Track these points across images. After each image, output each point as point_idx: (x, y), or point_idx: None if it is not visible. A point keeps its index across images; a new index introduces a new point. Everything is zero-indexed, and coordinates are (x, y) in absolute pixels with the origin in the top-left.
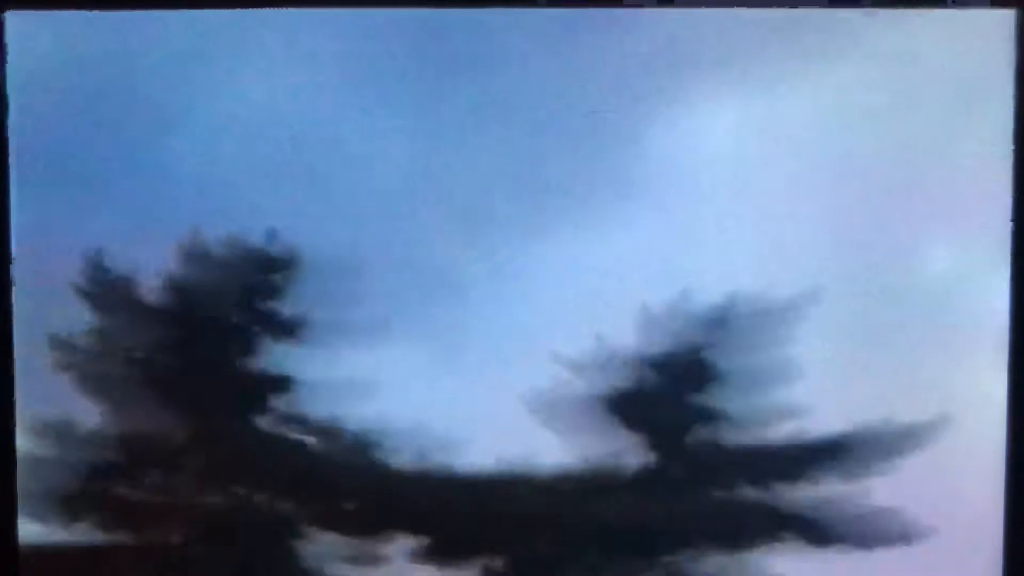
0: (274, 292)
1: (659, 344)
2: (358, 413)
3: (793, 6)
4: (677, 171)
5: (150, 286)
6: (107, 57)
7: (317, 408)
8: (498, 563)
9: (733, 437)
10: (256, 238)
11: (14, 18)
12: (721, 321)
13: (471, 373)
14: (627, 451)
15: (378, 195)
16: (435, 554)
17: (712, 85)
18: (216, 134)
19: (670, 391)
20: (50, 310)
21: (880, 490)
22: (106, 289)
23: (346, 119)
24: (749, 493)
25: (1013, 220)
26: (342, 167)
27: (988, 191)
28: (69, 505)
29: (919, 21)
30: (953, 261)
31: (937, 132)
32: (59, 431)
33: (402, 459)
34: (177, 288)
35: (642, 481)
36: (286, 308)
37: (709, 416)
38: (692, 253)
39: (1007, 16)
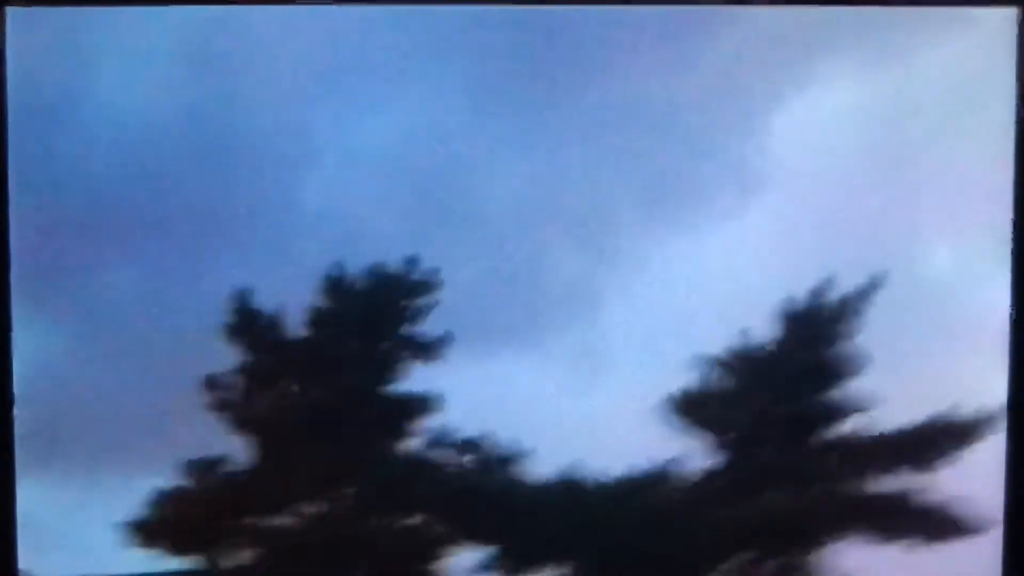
0: (418, 316)
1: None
2: (507, 429)
3: (796, 3)
4: (796, 165)
5: (296, 321)
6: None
7: (467, 426)
8: (648, 566)
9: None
10: (395, 266)
11: (15, 13)
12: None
13: (614, 382)
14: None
15: (505, 214)
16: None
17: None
18: (345, 168)
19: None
20: (199, 351)
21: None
22: (254, 327)
23: (466, 142)
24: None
25: (1014, 218)
26: (469, 190)
27: (989, 189)
28: (227, 539)
29: (921, 19)
30: (954, 260)
31: (938, 130)
32: (213, 469)
33: (551, 471)
34: (323, 321)
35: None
36: (430, 330)
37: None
38: (825, 245)
39: (1009, 15)
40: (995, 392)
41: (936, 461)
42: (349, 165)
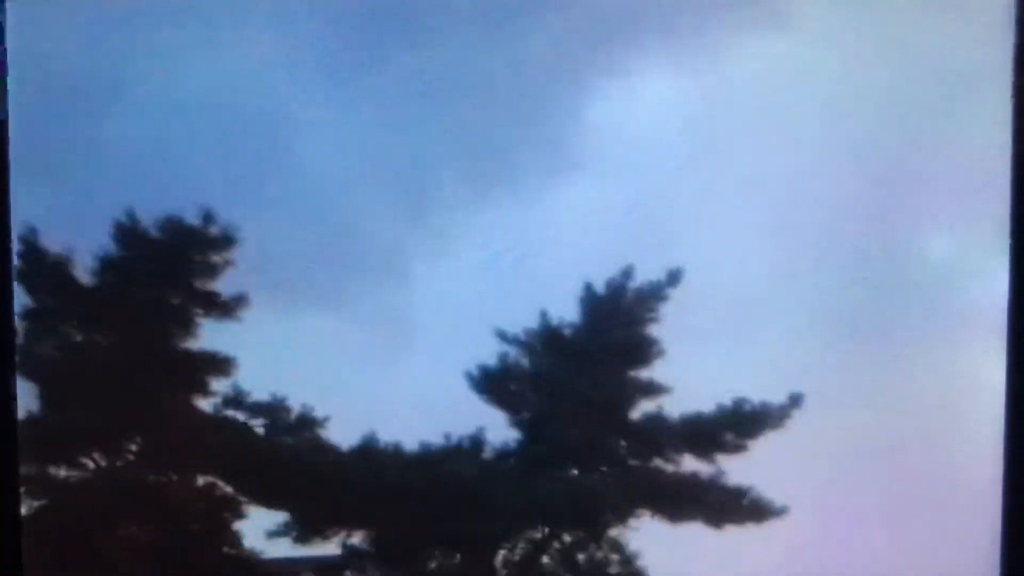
0: (212, 272)
1: (603, 321)
2: (301, 394)
3: None
4: (617, 146)
5: (86, 267)
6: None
7: (259, 388)
8: (443, 538)
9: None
10: (193, 218)
11: (15, 5)
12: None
13: (416, 352)
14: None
15: (318, 173)
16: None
17: (658, 58)
18: (154, 115)
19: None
20: None
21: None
22: (42, 270)
23: (285, 97)
24: None
25: (1012, 208)
26: (281, 146)
27: (986, 179)
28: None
29: (916, 5)
30: (952, 250)
31: (933, 118)
32: None
33: (349, 438)
34: (113, 268)
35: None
36: (225, 288)
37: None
38: (635, 228)
39: (1004, 1)
40: (992, 381)
41: (728, 449)
42: (160, 107)
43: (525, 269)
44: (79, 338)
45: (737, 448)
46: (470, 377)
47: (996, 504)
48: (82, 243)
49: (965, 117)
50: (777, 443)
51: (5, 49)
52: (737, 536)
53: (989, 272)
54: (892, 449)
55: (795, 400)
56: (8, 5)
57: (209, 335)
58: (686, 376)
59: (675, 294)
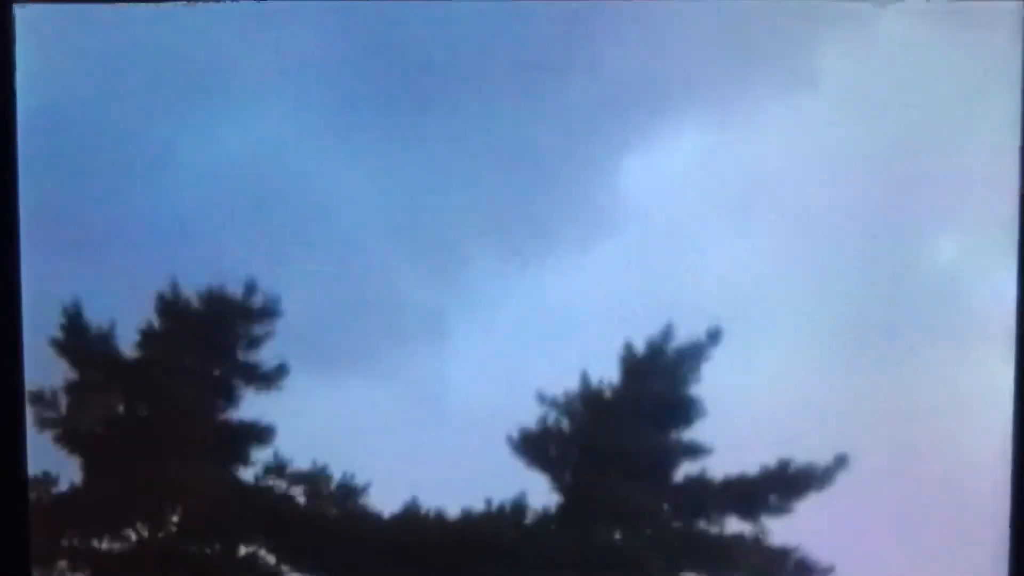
0: (255, 343)
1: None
2: (343, 461)
3: None
4: (653, 204)
5: (128, 339)
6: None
7: (301, 457)
8: None
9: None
10: (235, 289)
11: (23, 12)
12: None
13: (457, 416)
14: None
15: (354, 241)
16: None
17: (686, 117)
18: (192, 183)
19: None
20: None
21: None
22: (84, 343)
23: (319, 167)
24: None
25: (1020, 212)
26: (317, 215)
27: (995, 182)
28: (52, 560)
29: (926, 12)
30: (960, 253)
31: (944, 123)
32: (38, 488)
33: (390, 505)
34: (155, 341)
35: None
36: (268, 358)
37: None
38: (674, 286)
39: (1014, 8)
40: (1001, 387)
41: (771, 510)
42: (195, 177)
43: (563, 332)
44: (122, 410)
45: (782, 509)
46: (511, 441)
47: (1004, 509)
48: (124, 316)
49: (973, 122)
50: (820, 502)
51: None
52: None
53: (997, 276)
54: (899, 452)
55: (841, 461)
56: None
57: (250, 405)
58: (728, 436)
59: (715, 353)
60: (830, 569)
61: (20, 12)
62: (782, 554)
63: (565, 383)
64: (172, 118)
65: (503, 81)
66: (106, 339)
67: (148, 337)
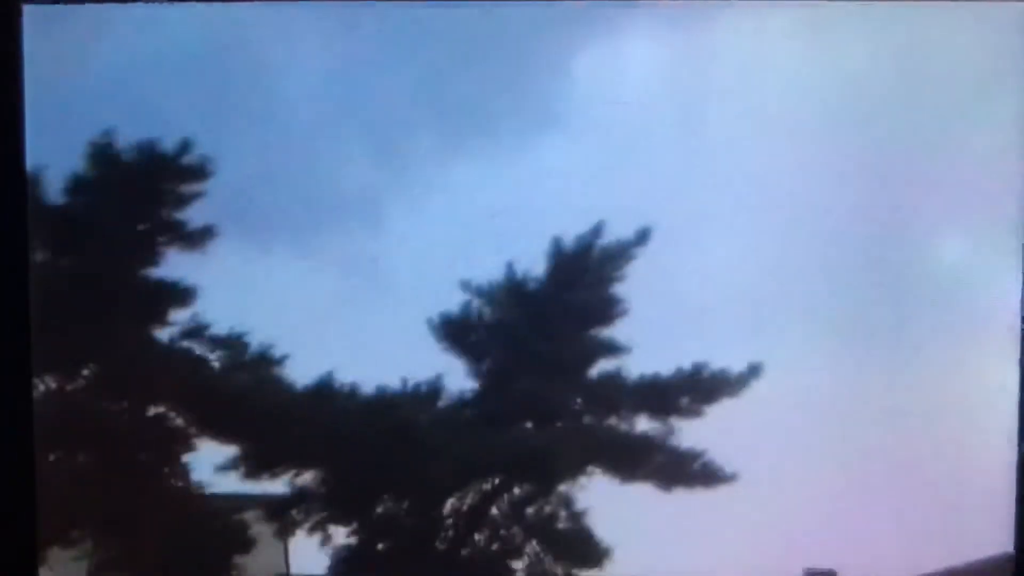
0: (184, 202)
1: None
2: (262, 330)
3: None
4: (597, 105)
5: (56, 186)
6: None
7: (220, 323)
8: (392, 483)
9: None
10: (168, 144)
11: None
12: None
13: (381, 297)
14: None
15: (295, 115)
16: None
17: (649, 15)
18: (142, 39)
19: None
20: None
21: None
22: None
23: (266, 37)
24: None
25: None
26: (260, 85)
27: (1001, 183)
28: None
29: (933, 11)
30: (965, 252)
31: (949, 124)
32: None
33: (305, 378)
34: (81, 189)
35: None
36: (196, 219)
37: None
38: (609, 186)
39: (1021, 8)
40: (1006, 387)
41: (682, 412)
42: (146, 35)
43: (496, 223)
44: (40, 256)
45: (693, 413)
46: (432, 325)
47: (1008, 509)
48: (55, 161)
49: (979, 120)
50: (734, 410)
51: None
52: (686, 500)
53: (1003, 276)
54: (903, 452)
55: (754, 369)
56: None
57: (173, 265)
58: (648, 338)
59: (643, 256)
60: (733, 476)
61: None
62: (690, 458)
63: (492, 273)
64: None
65: None
66: (34, 183)
67: (74, 184)
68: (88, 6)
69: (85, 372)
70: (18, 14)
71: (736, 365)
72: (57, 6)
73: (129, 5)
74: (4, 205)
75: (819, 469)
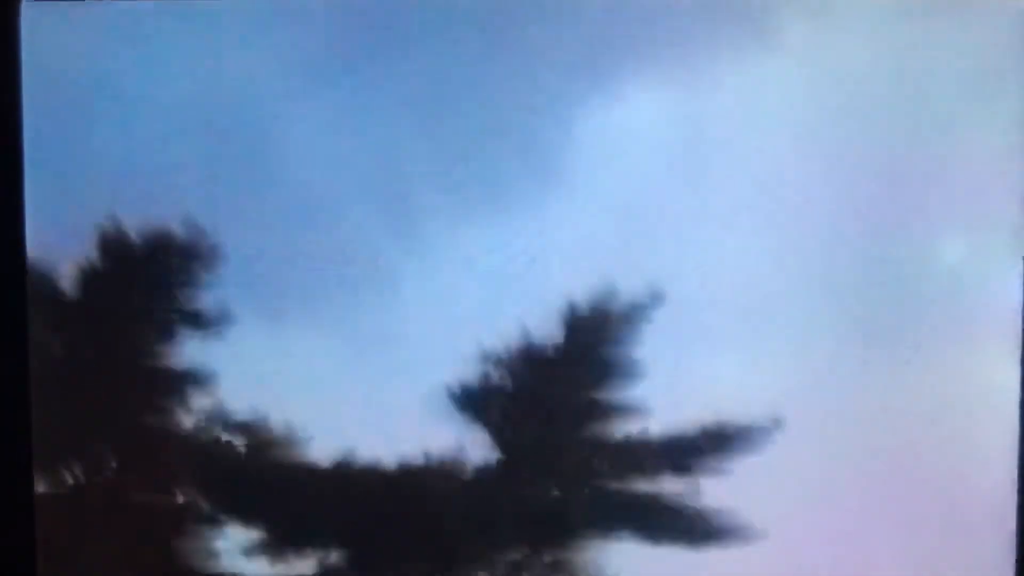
0: (198, 287)
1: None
2: (283, 410)
3: None
4: (606, 163)
5: (68, 276)
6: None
7: (239, 404)
8: (421, 556)
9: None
10: (176, 227)
11: (30, 8)
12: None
13: (395, 369)
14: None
15: (303, 185)
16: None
17: (654, 73)
18: (139, 121)
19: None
20: None
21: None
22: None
23: (271, 110)
24: None
25: None
26: (267, 157)
27: (1002, 182)
28: None
29: (934, 11)
30: (966, 252)
31: (950, 123)
32: None
33: (329, 455)
34: (93, 280)
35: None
36: (207, 300)
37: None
38: (619, 246)
39: (1023, 7)
40: (1007, 388)
41: (703, 468)
42: (147, 114)
43: (508, 285)
44: (58, 350)
45: (718, 470)
46: (451, 394)
47: (1011, 511)
48: (65, 250)
49: (980, 120)
50: (760, 465)
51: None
52: (719, 558)
53: (1004, 276)
54: (903, 455)
55: (778, 423)
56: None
57: (191, 351)
58: (669, 396)
59: (662, 312)
60: (764, 533)
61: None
62: (718, 515)
63: (507, 338)
64: (122, 49)
65: (460, 29)
66: (44, 277)
67: (86, 275)
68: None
69: (112, 463)
70: (15, 12)
71: (759, 419)
72: (57, 3)
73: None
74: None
75: (848, 511)
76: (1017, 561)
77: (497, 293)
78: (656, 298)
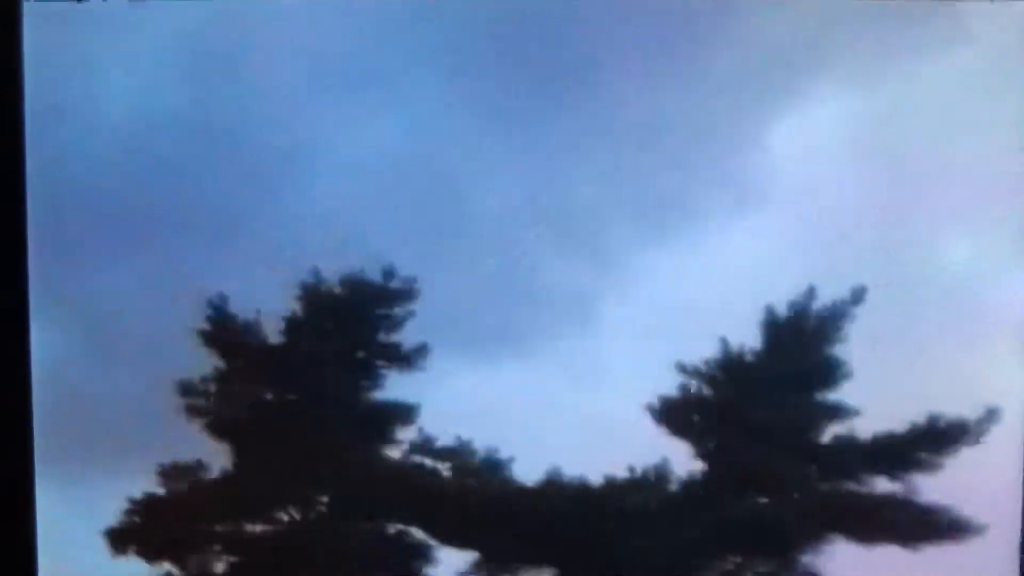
0: (395, 325)
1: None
2: (486, 436)
3: None
4: (792, 174)
5: (271, 328)
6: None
7: (446, 434)
8: (631, 571)
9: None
10: (374, 274)
11: (32, 7)
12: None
13: (596, 391)
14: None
15: (493, 224)
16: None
17: (837, 78)
18: (331, 173)
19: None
20: (174, 356)
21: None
22: (229, 333)
23: (455, 152)
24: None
25: None
26: (456, 199)
27: (1009, 183)
28: (201, 546)
29: (940, 13)
30: (974, 253)
31: (958, 125)
32: (190, 475)
33: (533, 476)
34: (298, 328)
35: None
36: (408, 339)
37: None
38: (816, 252)
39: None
40: (1014, 390)
41: (918, 466)
42: (335, 168)
43: (705, 304)
44: (268, 396)
45: (933, 466)
46: (652, 410)
47: (1016, 510)
48: (267, 305)
49: (986, 121)
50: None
51: None
52: (935, 558)
53: (1011, 276)
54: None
55: (992, 414)
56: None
57: (393, 385)
58: (875, 396)
59: (859, 312)
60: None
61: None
62: (934, 513)
63: (706, 352)
64: (306, 109)
65: (638, 58)
66: (251, 328)
67: (291, 324)
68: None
69: (324, 499)
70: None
71: (972, 412)
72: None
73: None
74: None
75: None
76: (1022, 564)
77: (692, 312)
78: (857, 296)
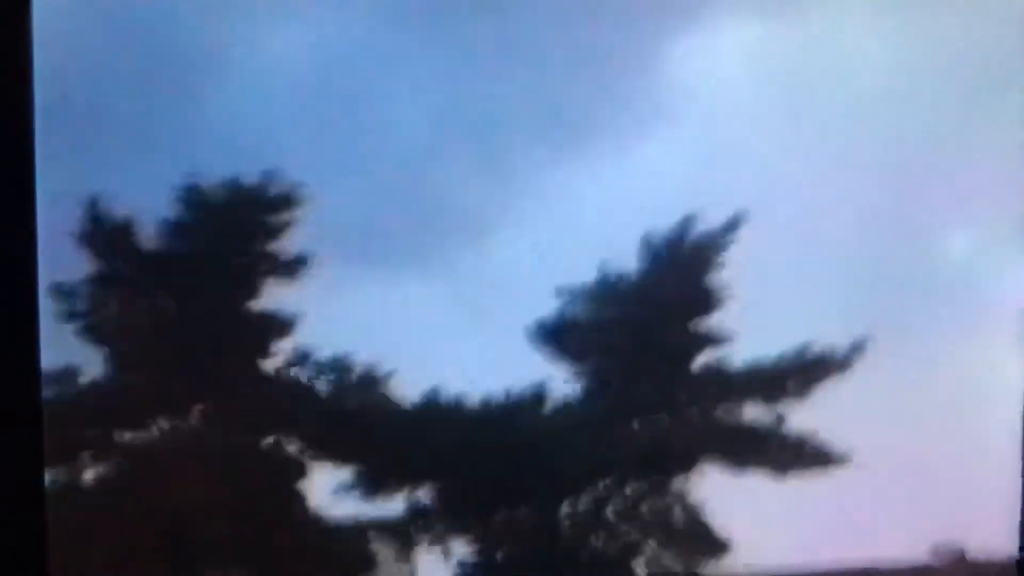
0: (275, 233)
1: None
2: (365, 351)
3: None
4: (693, 98)
5: (150, 231)
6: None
7: (324, 347)
8: (507, 492)
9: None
10: (254, 178)
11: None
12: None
13: (484, 307)
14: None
15: (396, 138)
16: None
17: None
18: (235, 80)
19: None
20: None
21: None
22: (105, 235)
23: (363, 65)
24: None
25: None
26: (361, 111)
27: (1007, 177)
28: (75, 452)
29: (939, 4)
30: (972, 245)
31: (956, 117)
32: (62, 380)
33: (411, 394)
34: (177, 233)
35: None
36: (292, 248)
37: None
38: (704, 180)
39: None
40: (1013, 377)
41: (792, 397)
42: (239, 75)
43: (596, 224)
44: (144, 302)
45: (801, 396)
46: (532, 332)
47: (1015, 502)
48: (146, 206)
49: (987, 116)
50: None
51: None
52: (801, 485)
53: (1010, 271)
54: (910, 444)
55: (858, 346)
56: None
57: (275, 295)
58: (748, 324)
59: (735, 244)
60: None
61: None
62: (800, 440)
63: (588, 275)
64: (205, 18)
65: None
66: (127, 231)
67: (168, 228)
68: None
69: (198, 408)
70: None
71: (840, 342)
72: None
73: None
74: (10, 197)
75: (934, 441)
76: (1021, 547)
77: (585, 232)
78: (733, 224)
